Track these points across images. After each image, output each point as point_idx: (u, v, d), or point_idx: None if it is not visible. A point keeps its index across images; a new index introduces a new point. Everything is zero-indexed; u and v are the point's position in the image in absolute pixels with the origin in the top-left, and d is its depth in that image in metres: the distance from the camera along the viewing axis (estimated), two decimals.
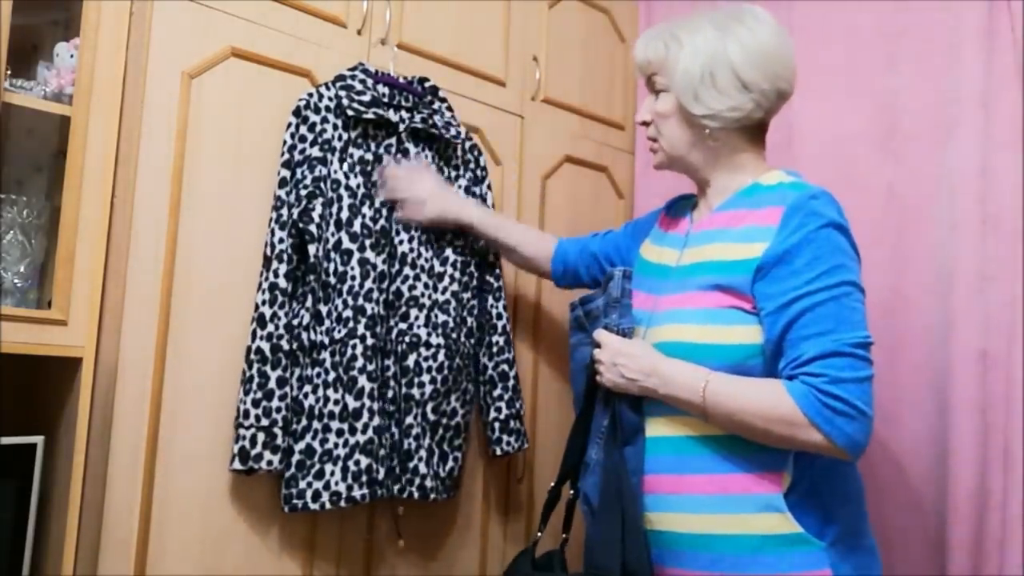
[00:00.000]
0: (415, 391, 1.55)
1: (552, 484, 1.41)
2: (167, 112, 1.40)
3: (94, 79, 1.32)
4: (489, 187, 1.76)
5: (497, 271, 1.75)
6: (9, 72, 1.29)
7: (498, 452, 1.71)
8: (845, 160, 1.82)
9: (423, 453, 1.55)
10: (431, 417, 1.56)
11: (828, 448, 1.15)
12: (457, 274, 1.65)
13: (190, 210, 1.42)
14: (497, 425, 1.71)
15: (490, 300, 1.73)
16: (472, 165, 1.74)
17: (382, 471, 1.49)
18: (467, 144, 1.74)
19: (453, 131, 1.69)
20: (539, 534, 1.41)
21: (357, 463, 1.45)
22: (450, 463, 1.60)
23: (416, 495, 1.54)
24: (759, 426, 1.17)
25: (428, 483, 1.55)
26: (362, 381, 1.47)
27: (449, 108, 1.72)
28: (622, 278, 1.34)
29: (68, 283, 1.28)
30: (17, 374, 1.42)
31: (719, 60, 1.26)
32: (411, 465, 1.54)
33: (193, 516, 1.39)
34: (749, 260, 1.22)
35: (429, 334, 1.58)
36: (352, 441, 1.45)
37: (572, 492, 1.38)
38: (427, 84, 1.70)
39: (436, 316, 1.60)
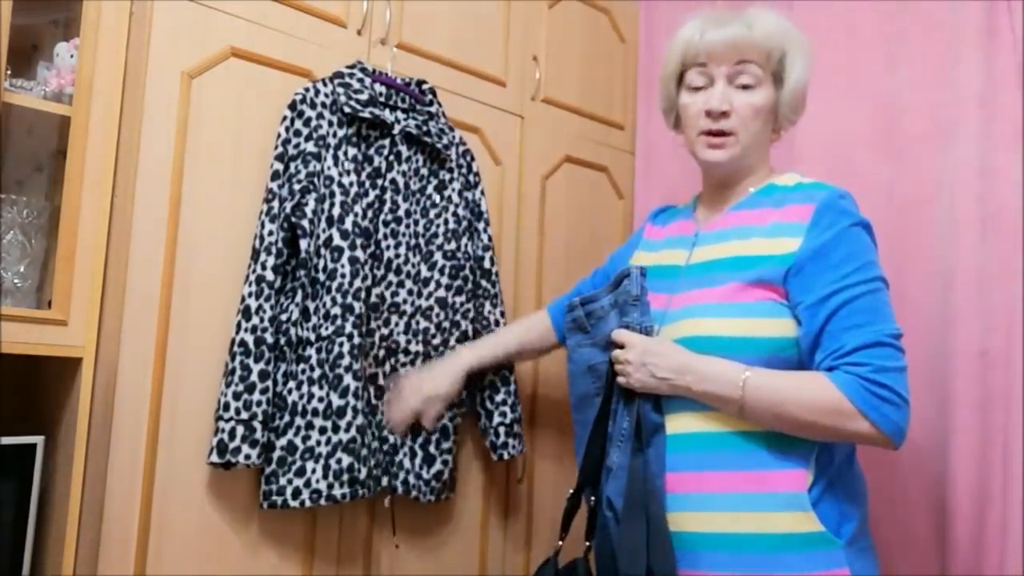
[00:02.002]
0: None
1: (571, 491, 1.38)
2: (167, 112, 1.40)
3: (94, 79, 1.32)
4: (482, 192, 1.76)
5: (493, 277, 1.75)
6: (9, 72, 1.30)
7: (505, 456, 1.70)
8: (845, 160, 1.82)
9: (406, 450, 1.57)
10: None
11: (874, 437, 1.15)
12: (445, 279, 1.64)
13: (190, 210, 1.42)
14: (502, 430, 1.70)
15: (487, 306, 1.73)
16: (464, 170, 1.74)
17: (364, 470, 1.48)
18: (460, 149, 1.74)
19: (446, 140, 1.69)
20: (560, 543, 1.39)
21: (339, 461, 1.44)
22: (437, 466, 1.60)
23: (400, 490, 1.56)
24: (804, 418, 1.16)
25: (411, 480, 1.56)
26: (347, 379, 1.47)
27: (443, 113, 1.72)
28: (639, 275, 1.33)
29: (68, 283, 1.28)
30: (17, 374, 1.42)
31: (809, 76, 1.32)
32: (397, 459, 1.56)
33: (193, 516, 1.39)
34: (783, 255, 1.22)
35: (408, 341, 1.59)
36: (335, 439, 1.44)
37: (593, 498, 1.35)
38: (424, 87, 1.70)
39: (418, 323, 1.61)
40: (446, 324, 1.64)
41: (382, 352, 1.57)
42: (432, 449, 1.59)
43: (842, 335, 1.17)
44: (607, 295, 1.37)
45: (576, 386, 1.42)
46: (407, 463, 1.56)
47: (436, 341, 1.62)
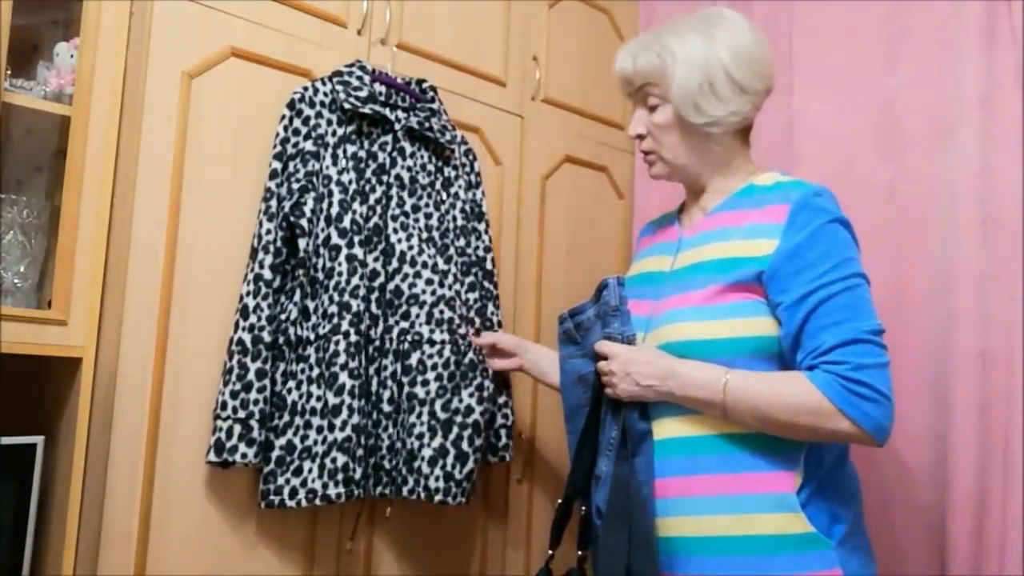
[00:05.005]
0: (418, 390, 1.53)
1: (560, 501, 1.37)
2: (167, 112, 1.40)
3: (94, 79, 1.32)
4: (483, 193, 1.76)
5: (495, 280, 1.75)
6: (9, 72, 1.30)
7: (507, 458, 1.70)
8: (845, 160, 1.82)
9: (428, 452, 1.51)
10: (441, 416, 1.53)
11: (855, 435, 1.15)
12: (459, 273, 1.64)
13: (190, 210, 1.42)
14: (504, 432, 1.70)
15: (490, 307, 1.72)
16: (467, 169, 1.74)
17: (359, 470, 1.45)
18: (462, 148, 1.74)
19: (449, 135, 1.68)
20: (551, 552, 1.38)
21: (334, 460, 1.42)
22: (470, 464, 1.53)
23: (422, 495, 1.50)
24: (784, 419, 1.16)
25: (432, 484, 1.50)
26: (343, 378, 1.45)
27: (445, 111, 1.72)
28: (617, 285, 1.34)
29: (68, 283, 1.28)
30: (17, 374, 1.42)
31: (714, 67, 1.28)
32: (415, 465, 1.51)
33: (193, 515, 1.39)
34: (759, 257, 1.22)
35: (432, 331, 1.56)
36: (331, 438, 1.43)
37: (584, 508, 1.35)
38: (425, 85, 1.70)
39: (442, 312, 1.58)
40: (468, 315, 1.63)
41: (406, 346, 1.55)
42: (465, 446, 1.53)
43: (820, 334, 1.17)
44: (592, 306, 1.38)
45: (568, 397, 1.42)
46: (425, 468, 1.51)
47: (463, 330, 1.59)
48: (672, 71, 1.29)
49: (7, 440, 1.26)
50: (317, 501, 1.41)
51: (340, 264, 1.49)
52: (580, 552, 1.35)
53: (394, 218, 1.59)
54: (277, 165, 1.48)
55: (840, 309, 1.17)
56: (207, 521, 1.41)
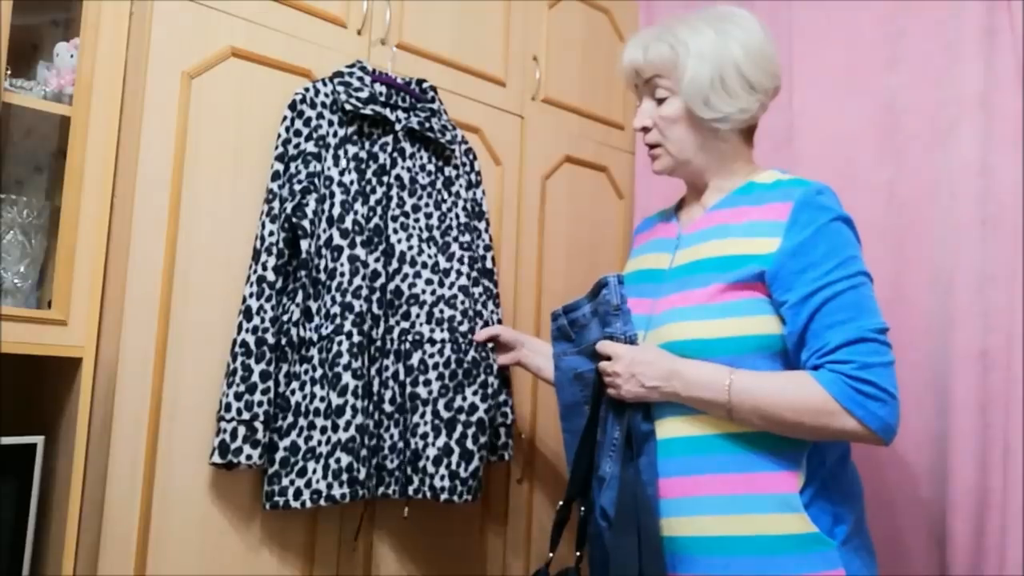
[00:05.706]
0: (421, 389, 1.54)
1: (561, 503, 1.37)
2: (167, 112, 1.40)
3: (94, 79, 1.32)
4: (483, 192, 1.76)
5: (495, 278, 1.75)
6: (9, 72, 1.30)
7: (506, 457, 1.70)
8: (845, 160, 1.82)
9: (432, 452, 1.51)
10: (444, 415, 1.52)
11: (862, 434, 1.15)
12: (465, 268, 1.64)
13: (190, 210, 1.42)
14: (503, 431, 1.70)
15: (490, 306, 1.73)
16: (467, 168, 1.74)
17: (363, 471, 1.45)
18: (463, 148, 1.74)
19: (449, 135, 1.68)
20: (551, 555, 1.38)
21: (338, 461, 1.43)
22: (475, 462, 1.53)
23: (428, 495, 1.50)
24: (790, 419, 1.16)
25: (438, 483, 1.50)
26: (346, 378, 1.45)
27: (445, 111, 1.72)
28: (617, 284, 1.33)
29: (68, 283, 1.29)
30: (17, 374, 1.42)
31: (726, 63, 1.28)
32: (420, 464, 1.51)
33: (193, 516, 1.39)
34: (763, 255, 1.22)
35: (432, 330, 1.56)
36: (334, 439, 1.43)
37: (583, 509, 1.35)
38: (425, 85, 1.70)
39: (442, 311, 1.58)
40: (471, 313, 1.62)
41: (407, 346, 1.55)
42: (470, 444, 1.53)
43: (825, 333, 1.17)
44: (588, 303, 1.37)
45: (563, 395, 1.41)
46: (431, 467, 1.51)
47: (463, 328, 1.59)
48: (684, 63, 1.29)
49: (7, 440, 1.26)
50: (322, 502, 1.41)
51: (342, 265, 1.49)
52: (577, 552, 1.35)
53: (394, 218, 1.59)
54: (279, 166, 1.48)
55: (845, 308, 1.17)
56: (207, 521, 1.41)
